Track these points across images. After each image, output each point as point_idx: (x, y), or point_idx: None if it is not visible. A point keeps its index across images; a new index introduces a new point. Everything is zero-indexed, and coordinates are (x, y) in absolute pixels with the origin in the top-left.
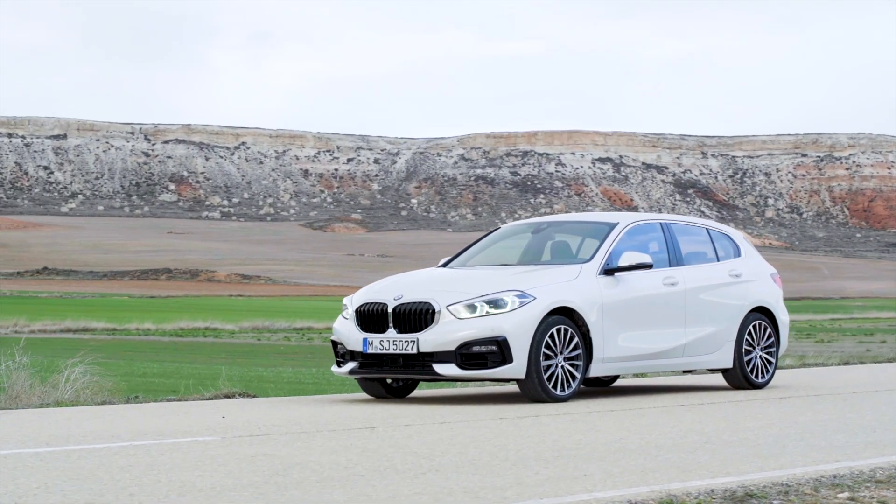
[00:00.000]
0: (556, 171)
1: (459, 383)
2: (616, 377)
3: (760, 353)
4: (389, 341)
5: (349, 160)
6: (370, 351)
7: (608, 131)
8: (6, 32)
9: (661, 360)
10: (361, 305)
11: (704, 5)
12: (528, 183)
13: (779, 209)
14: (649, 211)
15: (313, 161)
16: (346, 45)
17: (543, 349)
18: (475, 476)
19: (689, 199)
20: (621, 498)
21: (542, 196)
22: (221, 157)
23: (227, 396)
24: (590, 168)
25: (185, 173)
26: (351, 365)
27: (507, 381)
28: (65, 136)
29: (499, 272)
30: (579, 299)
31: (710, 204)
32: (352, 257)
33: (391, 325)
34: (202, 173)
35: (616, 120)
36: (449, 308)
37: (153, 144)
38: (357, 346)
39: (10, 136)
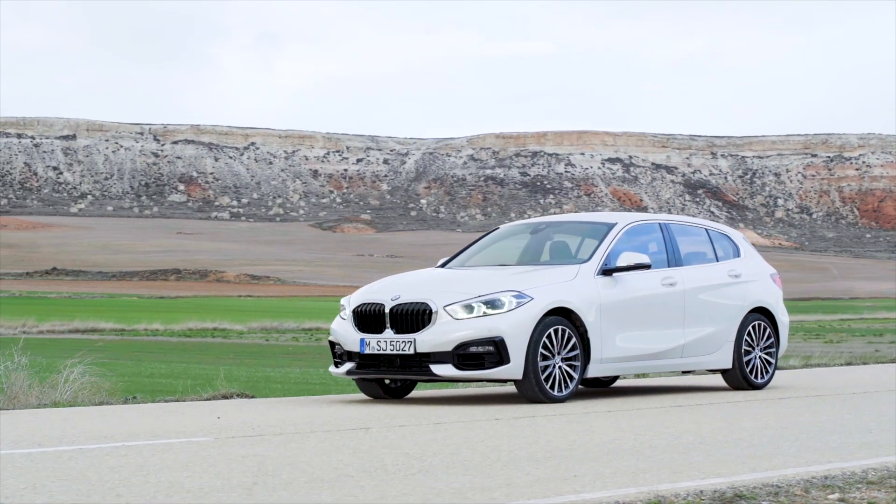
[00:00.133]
0: (566, 172)
1: (458, 384)
2: (616, 378)
3: (760, 353)
4: (386, 342)
5: (358, 160)
6: (367, 351)
7: (618, 132)
8: (15, 33)
9: (660, 361)
10: (359, 306)
11: (714, 5)
12: (538, 183)
13: (788, 209)
14: (659, 212)
15: (323, 161)
16: (356, 45)
17: (541, 350)
18: (465, 477)
19: (698, 200)
20: (609, 499)
21: (551, 196)
22: (231, 158)
23: (224, 397)
24: (599, 168)
25: (195, 174)
26: (348, 365)
27: (505, 381)
28: (74, 137)
29: (497, 272)
30: (577, 300)
31: (720, 204)
32: (361, 258)
33: (388, 325)
34: (211, 174)
35: (626, 120)
36: (446, 308)
37: (162, 145)
38: (354, 347)
39: (19, 136)
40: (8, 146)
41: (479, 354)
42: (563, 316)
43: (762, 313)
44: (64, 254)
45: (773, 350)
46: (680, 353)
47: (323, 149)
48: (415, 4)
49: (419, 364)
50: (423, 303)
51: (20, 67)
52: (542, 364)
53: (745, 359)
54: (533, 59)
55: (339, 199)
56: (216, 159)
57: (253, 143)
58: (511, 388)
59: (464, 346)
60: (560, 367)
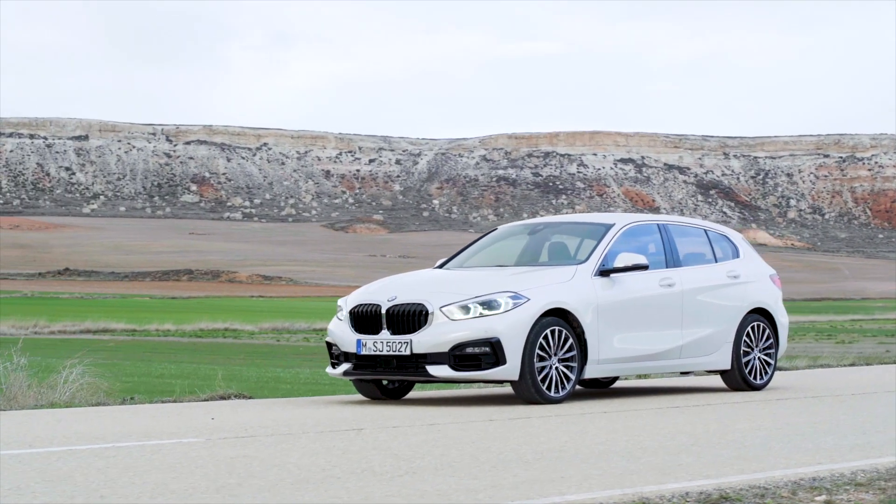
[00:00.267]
0: (578, 172)
1: (457, 384)
2: (615, 379)
3: (759, 354)
4: (383, 342)
5: (371, 161)
6: (364, 352)
7: (630, 132)
8: (27, 33)
9: (658, 362)
10: (356, 307)
11: (727, 5)
12: (550, 184)
13: (801, 210)
14: (671, 212)
15: (335, 162)
16: (368, 45)
17: (537, 350)
18: (452, 478)
19: (711, 200)
20: (593, 501)
21: (563, 197)
22: (243, 158)
23: (222, 398)
24: (612, 169)
25: (207, 174)
26: (345, 366)
27: (501, 382)
28: (86, 137)
29: (494, 273)
30: (574, 300)
31: (732, 205)
32: (373, 258)
33: (385, 326)
34: (224, 174)
35: (638, 121)
36: (442, 309)
37: (175, 145)
38: (351, 348)
39: (31, 137)
40: (20, 147)
41: (476, 355)
42: (560, 317)
43: (761, 314)
44: (76, 254)
45: (772, 351)
46: (678, 354)
47: (335, 149)
48: (426, 5)
49: (415, 365)
50: (419, 304)
51: (33, 68)
52: (538, 365)
53: (744, 360)
54: (545, 60)
55: (351, 200)
56: (228, 160)
57: (265, 144)
58: (509, 389)
59: (460, 346)
60: (557, 368)
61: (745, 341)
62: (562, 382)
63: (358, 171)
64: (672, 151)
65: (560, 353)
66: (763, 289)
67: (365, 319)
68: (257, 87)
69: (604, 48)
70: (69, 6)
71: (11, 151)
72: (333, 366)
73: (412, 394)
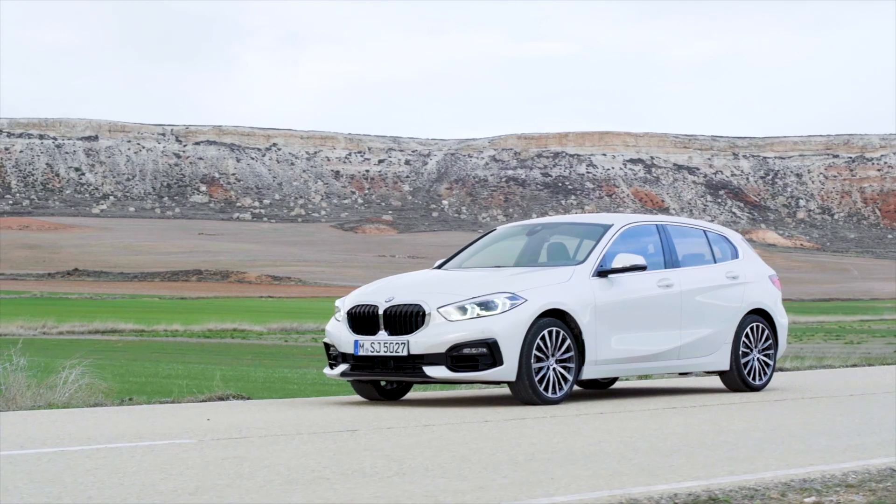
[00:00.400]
0: (588, 173)
1: (455, 385)
2: (615, 379)
3: (758, 355)
4: (380, 343)
5: (380, 161)
6: (361, 353)
7: (639, 132)
8: (37, 34)
9: (656, 363)
10: (353, 307)
11: (736, 6)
12: (560, 184)
13: (810, 210)
14: (680, 213)
15: (344, 162)
16: (377, 46)
17: (535, 351)
18: (441, 479)
19: (720, 201)
20: (580, 502)
21: (573, 197)
22: (252, 159)
23: (220, 398)
24: (621, 169)
25: (217, 174)
26: (343, 367)
27: (498, 383)
28: (96, 138)
29: (491, 274)
30: (572, 301)
31: (742, 205)
32: (383, 258)
33: (382, 327)
34: (233, 174)
35: (647, 121)
36: (439, 310)
37: (184, 146)
38: (348, 349)
39: (41, 137)
40: (30, 147)
41: (473, 356)
42: (557, 318)
43: (760, 315)
44: (86, 255)
45: (771, 352)
46: (677, 355)
47: (345, 150)
48: (436, 6)
49: (412, 366)
50: (416, 304)
51: (42, 68)
52: (536, 366)
53: (743, 360)
54: (555, 60)
55: (360, 200)
56: (238, 160)
57: (275, 144)
58: (507, 390)
59: (457, 347)
60: (554, 369)
61: (743, 342)
62: (559, 383)
63: (367, 171)
64: (681, 152)
65: (557, 354)
66: (762, 289)
67: (362, 320)
68: (267, 87)
69: (613, 49)
70: (78, 7)
71: (21, 152)
72: (331, 366)
73: (410, 394)
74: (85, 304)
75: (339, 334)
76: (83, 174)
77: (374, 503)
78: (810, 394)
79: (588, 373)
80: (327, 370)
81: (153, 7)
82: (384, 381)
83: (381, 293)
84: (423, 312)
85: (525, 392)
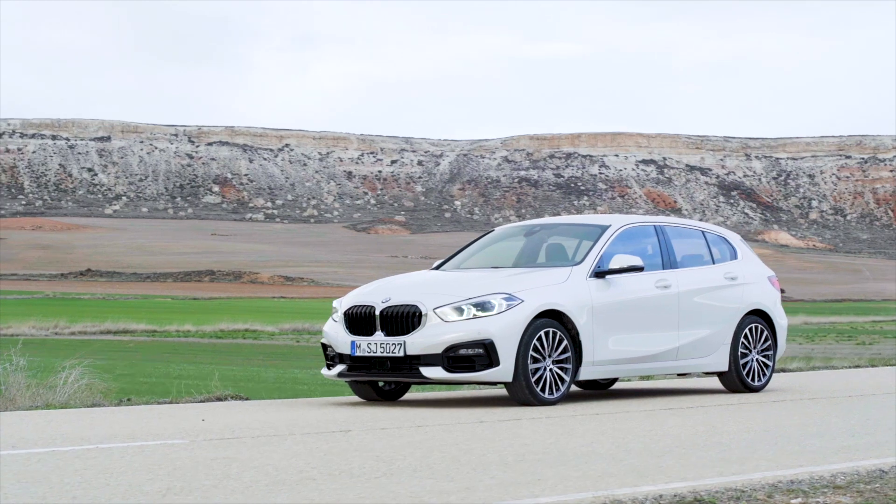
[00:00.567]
0: (600, 173)
1: (454, 386)
2: (615, 380)
3: (757, 356)
4: (377, 344)
5: (393, 162)
6: (358, 354)
7: (652, 133)
8: (50, 34)
9: (654, 364)
10: (350, 308)
11: (748, 6)
12: (572, 185)
13: (822, 211)
14: (692, 213)
15: (357, 163)
16: (390, 46)
17: (531, 352)
18: (428, 480)
19: (732, 202)
20: (564, 503)
21: (585, 198)
22: (265, 159)
23: (219, 399)
24: (633, 170)
25: (229, 175)
26: (340, 368)
27: (495, 384)
28: (109, 138)
29: (488, 275)
30: (568, 302)
31: (754, 206)
32: (395, 259)
33: (379, 327)
34: (246, 175)
35: (659, 122)
36: (436, 311)
37: (197, 146)
38: (345, 349)
39: (54, 138)
40: (43, 147)
41: (469, 357)
42: (554, 318)
43: (759, 316)
44: (98, 255)
45: (770, 352)
46: (675, 356)
47: (357, 150)
48: (449, 6)
49: (409, 366)
50: (413, 305)
51: (55, 69)
52: (532, 367)
53: (742, 361)
54: (567, 61)
55: (373, 201)
56: (250, 161)
57: (287, 145)
58: (505, 391)
59: (453, 348)
60: (551, 370)
61: (742, 343)
62: (556, 384)
63: (380, 172)
64: (694, 152)
65: (554, 355)
66: (761, 290)
67: (359, 321)
68: (280, 88)
69: (625, 50)
70: (91, 7)
71: (34, 152)
72: (329, 367)
73: (408, 395)
74: (97, 305)
75: (337, 335)
76: (96, 175)
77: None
78: (809, 395)
79: (585, 374)
80: (325, 371)
81: (166, 8)
82: (382, 382)
83: (378, 294)
84: (420, 313)
85: (521, 393)
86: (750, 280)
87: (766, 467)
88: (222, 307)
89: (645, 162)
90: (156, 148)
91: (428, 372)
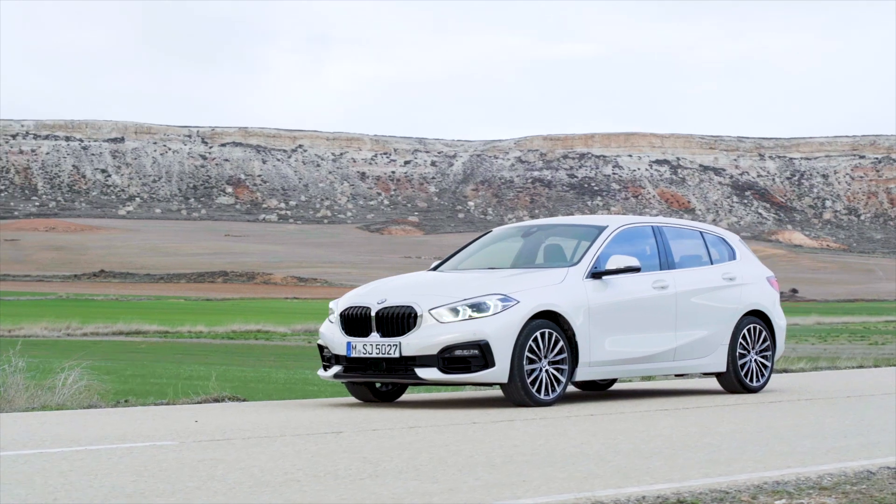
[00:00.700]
0: (613, 174)
1: (451, 387)
2: (614, 381)
3: (755, 356)
4: (373, 345)
5: (406, 163)
6: (354, 355)
7: (665, 133)
8: (63, 35)
9: (651, 364)
10: (346, 309)
11: (762, 6)
12: (585, 185)
13: (836, 211)
14: (706, 214)
15: (370, 163)
16: (403, 47)
17: (527, 353)
18: (413, 482)
19: (746, 202)
20: None
21: (598, 198)
22: (278, 160)
23: (216, 400)
24: (647, 170)
25: (243, 176)
26: (336, 369)
27: (490, 385)
28: (122, 140)
29: (485, 276)
30: (565, 303)
31: (768, 206)
32: (409, 260)
33: (374, 328)
34: (259, 176)
35: (673, 122)
36: (431, 312)
37: (210, 147)
38: (341, 350)
39: (67, 139)
40: (57, 149)
41: (465, 358)
42: (550, 319)
43: (758, 316)
44: (112, 256)
45: (769, 353)
46: (672, 357)
47: (370, 151)
48: (462, 7)
49: (405, 367)
50: (408, 306)
51: (68, 70)
52: (528, 367)
53: (741, 362)
54: (580, 61)
55: (386, 202)
56: (264, 161)
57: (301, 146)
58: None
59: (449, 349)
60: (547, 371)
61: (741, 343)
62: (552, 385)
63: (393, 172)
64: (707, 153)
65: (550, 356)
66: (760, 291)
67: (355, 322)
68: (293, 88)
69: (639, 50)
70: (104, 8)
71: (47, 154)
72: (325, 368)
73: (405, 396)
74: (110, 306)
75: (333, 336)
76: (109, 176)
77: None
78: (807, 395)
79: (581, 375)
80: (321, 372)
81: (179, 9)
82: (379, 383)
83: (374, 295)
84: (415, 314)
85: (517, 394)
86: (748, 281)
87: (754, 468)
88: (235, 308)
89: (658, 162)
90: (169, 149)
91: (423, 373)
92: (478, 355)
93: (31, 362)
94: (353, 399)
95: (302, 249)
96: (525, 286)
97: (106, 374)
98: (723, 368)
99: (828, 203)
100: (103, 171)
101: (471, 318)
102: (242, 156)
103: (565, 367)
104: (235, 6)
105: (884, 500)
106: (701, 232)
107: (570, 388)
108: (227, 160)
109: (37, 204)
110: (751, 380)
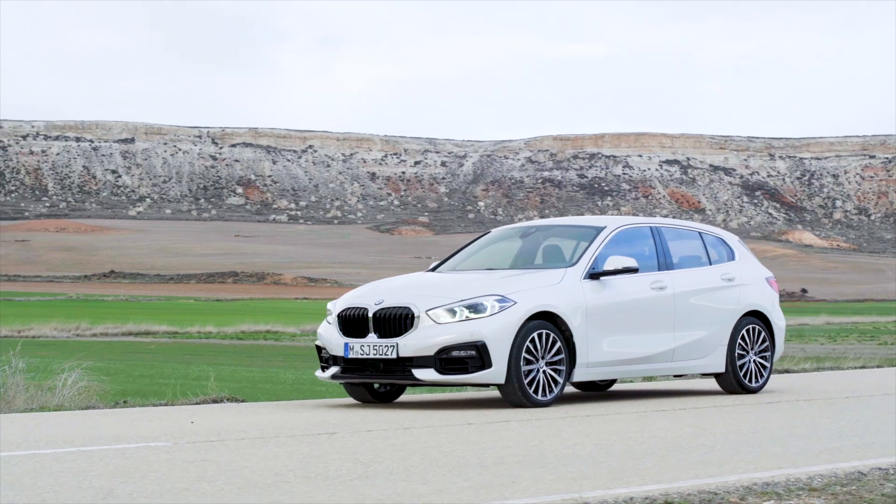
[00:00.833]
0: (624, 174)
1: (449, 388)
2: (613, 382)
3: (754, 357)
4: (370, 346)
5: (416, 163)
6: (351, 356)
7: (675, 133)
8: (73, 36)
9: (649, 365)
10: (343, 310)
11: (772, 6)
12: (596, 185)
13: (847, 211)
14: (716, 214)
15: (380, 164)
16: (414, 48)
17: (524, 354)
18: (402, 483)
19: (756, 202)
20: None
21: (609, 198)
22: (289, 161)
23: (214, 401)
24: (657, 170)
25: (253, 176)
26: (333, 370)
27: (487, 385)
28: (132, 140)
29: (482, 276)
30: (562, 303)
31: (778, 206)
32: (419, 260)
33: (372, 329)
34: (269, 176)
35: (683, 122)
36: (428, 312)
37: (220, 148)
38: (339, 351)
39: (78, 139)
40: (67, 149)
41: (462, 359)
42: (548, 320)
43: (757, 317)
44: (122, 256)
45: (768, 354)
46: (670, 357)
47: (381, 151)
48: (473, 7)
49: (402, 368)
50: (405, 307)
51: (78, 71)
52: (525, 368)
53: (739, 363)
54: (590, 61)
55: (396, 202)
56: (274, 162)
57: (311, 146)
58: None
59: (446, 350)
60: (544, 372)
61: (739, 344)
62: (549, 386)
63: (403, 173)
64: (717, 153)
65: (548, 357)
66: (759, 292)
67: (352, 323)
68: (303, 89)
69: (649, 49)
70: (115, 9)
71: (58, 154)
72: (323, 369)
73: (403, 397)
74: (120, 306)
75: (330, 337)
76: (120, 176)
77: None
78: (806, 396)
79: (579, 375)
80: (319, 373)
81: (189, 9)
82: (377, 384)
83: (372, 296)
84: (413, 315)
85: (514, 395)
86: (747, 281)
87: (745, 469)
88: (245, 308)
89: (669, 162)
90: (179, 150)
91: (420, 374)
92: (475, 356)
93: (34, 363)
94: (351, 400)
95: (312, 250)
96: (522, 287)
97: (109, 375)
98: (721, 369)
99: (838, 203)
100: (114, 171)
101: (468, 318)
102: (253, 156)
103: (563, 367)
104: (246, 7)
105: (873, 502)
106: (699, 232)
107: (570, 389)
108: (237, 161)
109: (47, 205)
110: (749, 380)
